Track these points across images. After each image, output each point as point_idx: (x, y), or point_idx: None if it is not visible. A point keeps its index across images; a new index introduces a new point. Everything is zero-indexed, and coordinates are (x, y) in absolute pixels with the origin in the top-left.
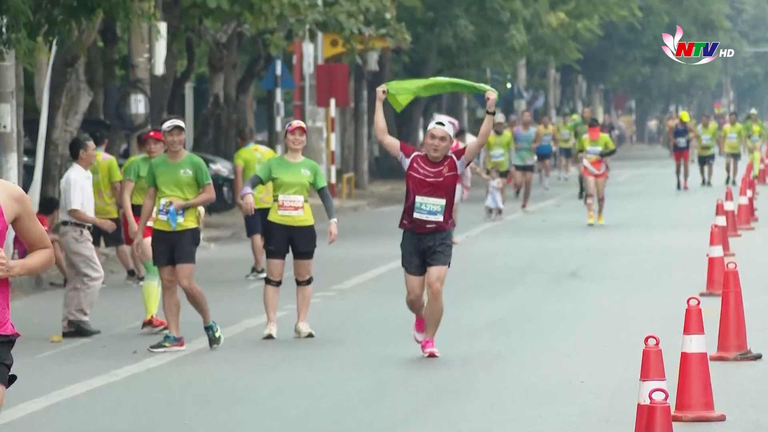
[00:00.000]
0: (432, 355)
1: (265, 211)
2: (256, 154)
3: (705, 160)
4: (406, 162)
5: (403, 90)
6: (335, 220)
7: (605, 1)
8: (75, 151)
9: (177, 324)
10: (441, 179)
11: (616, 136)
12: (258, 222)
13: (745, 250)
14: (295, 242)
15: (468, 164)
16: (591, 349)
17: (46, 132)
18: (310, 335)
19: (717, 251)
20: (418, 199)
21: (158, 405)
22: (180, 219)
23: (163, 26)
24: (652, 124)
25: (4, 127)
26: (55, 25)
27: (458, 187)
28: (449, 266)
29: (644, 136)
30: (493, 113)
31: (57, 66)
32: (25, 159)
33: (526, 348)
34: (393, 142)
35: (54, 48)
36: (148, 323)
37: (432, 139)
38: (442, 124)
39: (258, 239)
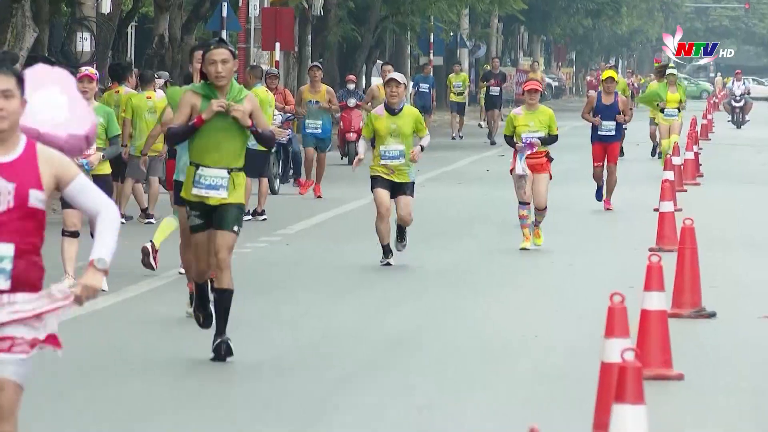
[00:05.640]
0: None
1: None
2: None
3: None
4: None
5: None
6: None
7: None
8: None
9: None
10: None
11: (547, 86)
12: None
13: (692, 205)
14: None
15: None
16: (542, 304)
17: None
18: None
19: (667, 206)
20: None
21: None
22: None
23: None
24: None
25: None
26: None
27: None
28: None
29: (583, 88)
30: None
31: (3, 1)
32: None
33: (477, 301)
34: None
35: None
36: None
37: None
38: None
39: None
